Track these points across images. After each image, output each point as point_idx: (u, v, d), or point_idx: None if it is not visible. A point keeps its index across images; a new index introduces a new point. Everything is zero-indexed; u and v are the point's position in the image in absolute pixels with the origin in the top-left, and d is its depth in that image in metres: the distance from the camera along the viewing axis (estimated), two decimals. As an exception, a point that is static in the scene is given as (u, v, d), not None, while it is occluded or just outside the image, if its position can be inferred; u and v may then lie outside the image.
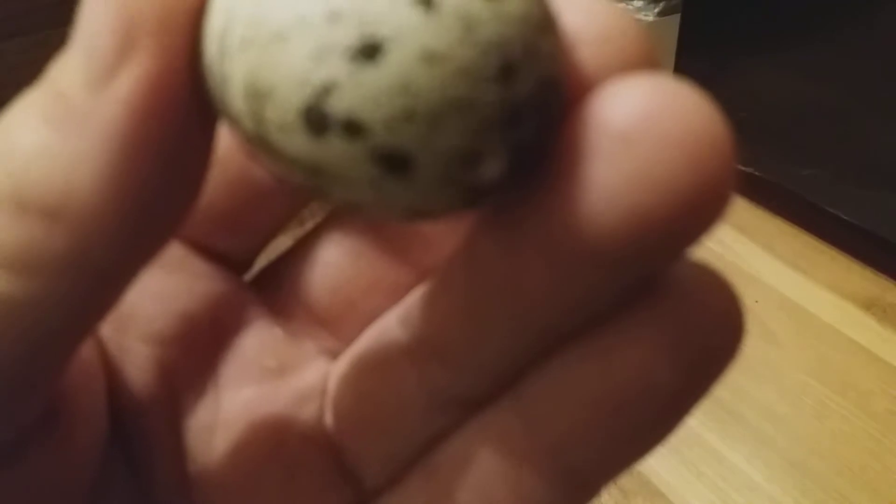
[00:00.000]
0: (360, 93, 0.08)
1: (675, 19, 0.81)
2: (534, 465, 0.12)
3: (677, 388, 0.10)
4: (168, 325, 0.14)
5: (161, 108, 0.09)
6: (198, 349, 0.14)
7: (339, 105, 0.08)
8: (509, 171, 0.09)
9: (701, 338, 0.10)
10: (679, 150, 0.09)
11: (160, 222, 0.10)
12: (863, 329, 0.63)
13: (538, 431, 0.12)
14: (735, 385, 0.62)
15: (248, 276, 0.15)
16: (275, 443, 0.14)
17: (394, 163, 0.09)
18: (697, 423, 0.59)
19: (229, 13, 0.09)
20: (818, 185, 0.72)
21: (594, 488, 0.12)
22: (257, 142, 0.09)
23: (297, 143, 0.09)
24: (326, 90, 0.08)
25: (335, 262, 0.14)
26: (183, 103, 0.09)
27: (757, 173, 0.78)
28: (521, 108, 0.09)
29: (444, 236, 0.14)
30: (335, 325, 0.15)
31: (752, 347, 0.66)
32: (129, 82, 0.09)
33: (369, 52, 0.08)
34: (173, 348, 0.14)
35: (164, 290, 0.14)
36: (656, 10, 0.93)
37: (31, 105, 0.10)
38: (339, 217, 0.15)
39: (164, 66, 0.09)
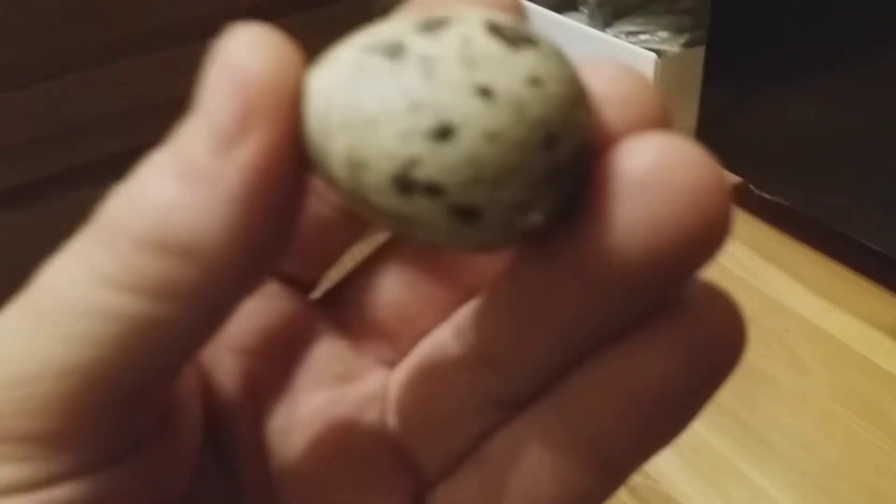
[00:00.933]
0: (438, 164, 0.11)
1: (701, 51, 0.82)
2: (573, 455, 0.14)
3: (691, 388, 0.13)
4: (251, 339, 0.16)
5: (272, 172, 0.12)
6: (276, 359, 0.17)
7: (422, 173, 0.11)
8: (553, 216, 0.12)
9: (710, 346, 0.13)
10: (685, 195, 0.11)
11: (267, 261, 0.13)
12: (892, 357, 0.63)
13: (576, 426, 0.14)
14: (765, 412, 0.62)
15: (316, 295, 0.18)
16: (344, 441, 0.16)
17: (466, 215, 0.11)
18: (728, 449, 0.59)
19: (327, 101, 0.11)
20: (846, 214, 0.72)
21: (625, 475, 0.14)
22: (356, 198, 0.12)
23: (389, 201, 0.11)
24: (412, 162, 0.11)
25: (393, 285, 0.17)
26: (289, 167, 0.12)
27: (785, 202, 0.78)
28: (562, 167, 0.11)
29: (488, 261, 0.16)
30: (393, 339, 0.17)
31: (782, 375, 0.66)
32: (248, 151, 0.11)
33: (444, 133, 0.11)
34: (256, 359, 0.16)
35: (248, 308, 0.16)
36: (682, 42, 0.94)
37: (162, 164, 0.12)
38: (397, 247, 0.17)
39: (275, 138, 0.11)
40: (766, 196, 0.77)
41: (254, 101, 0.11)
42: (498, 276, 0.15)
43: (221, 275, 0.12)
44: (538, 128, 0.11)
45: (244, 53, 0.11)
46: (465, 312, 0.16)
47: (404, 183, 0.11)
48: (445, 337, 0.16)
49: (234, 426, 0.16)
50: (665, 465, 0.58)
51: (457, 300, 0.16)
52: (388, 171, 0.11)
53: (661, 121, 0.12)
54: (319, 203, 0.17)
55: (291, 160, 0.12)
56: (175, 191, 0.12)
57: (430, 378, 0.16)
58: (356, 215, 0.16)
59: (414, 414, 0.16)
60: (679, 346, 0.13)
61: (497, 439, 0.15)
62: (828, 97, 0.71)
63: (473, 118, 0.11)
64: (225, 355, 0.16)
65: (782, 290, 0.71)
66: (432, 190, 0.11)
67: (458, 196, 0.11)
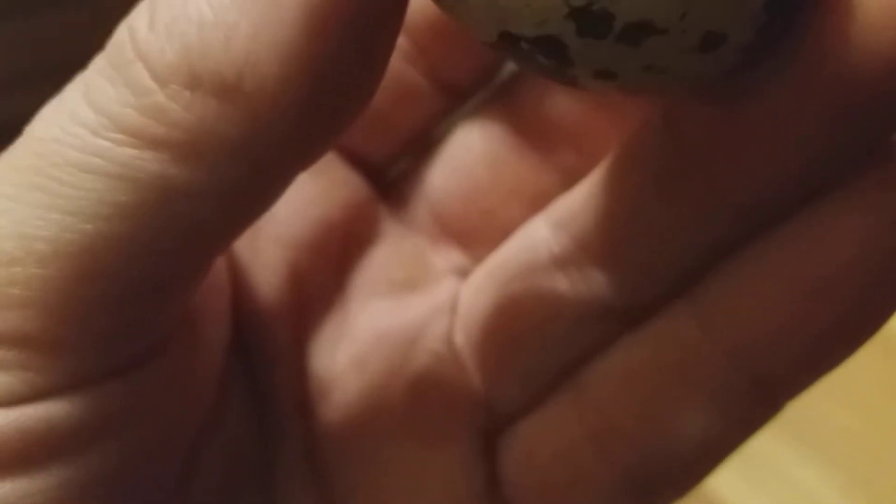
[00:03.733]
0: None
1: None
2: (717, 374, 0.11)
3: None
4: (303, 230, 0.14)
5: None
6: (329, 258, 0.14)
7: None
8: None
9: None
10: None
11: (340, 111, 0.09)
12: (941, 347, 0.61)
13: (725, 336, 0.11)
14: (804, 401, 0.59)
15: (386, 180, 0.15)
16: (401, 358, 0.14)
17: None
18: (765, 440, 0.57)
19: None
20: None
21: (784, 399, 0.11)
22: None
23: None
24: None
25: (470, 166, 0.14)
26: None
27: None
28: None
29: (595, 131, 0.13)
30: (470, 239, 0.14)
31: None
32: None
33: None
34: (306, 254, 0.14)
35: (302, 193, 0.13)
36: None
37: None
38: (482, 112, 0.14)
39: None
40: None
41: None
42: (633, 135, 0.11)
43: (275, 126, 0.09)
44: None
45: None
46: (572, 196, 0.13)
47: None
48: (539, 231, 0.13)
49: (269, 336, 0.14)
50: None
51: (554, 188, 0.13)
52: None
53: None
54: (403, 62, 0.13)
55: None
56: (219, 0, 0.09)
57: (516, 280, 0.13)
58: (448, 81, 0.13)
59: (491, 328, 0.13)
60: (887, 213, 0.10)
61: (605, 360, 0.12)
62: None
63: None
64: (268, 246, 0.14)
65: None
66: None
67: None
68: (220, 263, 0.13)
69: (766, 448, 0.55)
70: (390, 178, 0.15)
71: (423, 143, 0.14)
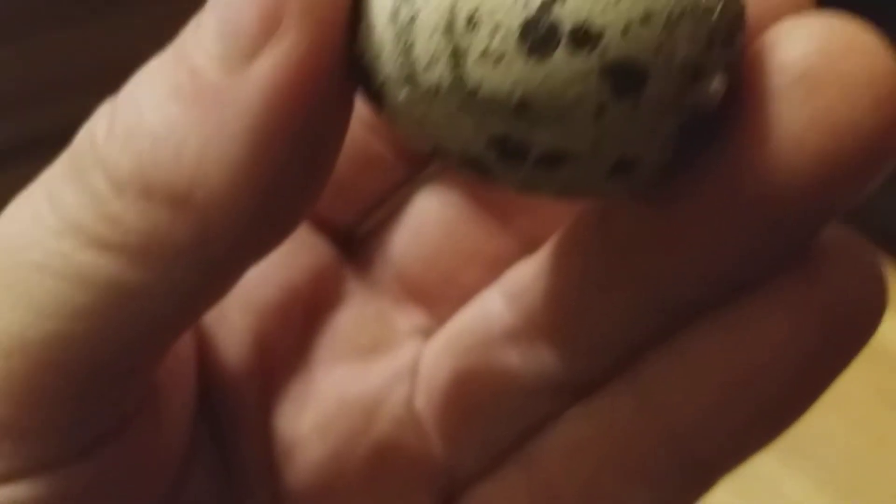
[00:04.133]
0: None
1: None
2: (654, 455, 0.11)
3: (819, 363, 0.10)
4: (268, 296, 0.14)
5: (305, 92, 0.09)
6: (294, 322, 0.14)
7: (567, 13, 0.08)
8: (721, 97, 0.09)
9: (849, 310, 0.10)
10: (863, 90, 0.09)
11: (287, 214, 0.10)
12: (930, 355, 0.61)
13: (659, 417, 0.11)
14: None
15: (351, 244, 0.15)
16: (364, 423, 0.14)
17: (626, 80, 0.08)
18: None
19: None
20: (889, 201, 0.69)
21: (712, 481, 0.11)
22: (445, 91, 0.09)
23: (510, 71, 0.08)
24: (551, 1, 0.08)
25: (431, 231, 0.14)
26: (327, 85, 0.09)
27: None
28: (735, 22, 0.09)
29: (555, 204, 0.13)
30: (431, 301, 0.14)
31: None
32: (271, 64, 0.08)
33: None
34: (271, 319, 0.14)
35: (267, 259, 0.13)
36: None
37: (159, 76, 0.09)
38: (439, 180, 0.14)
39: (311, 46, 0.08)
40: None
41: None
42: (574, 223, 0.12)
43: (224, 232, 0.09)
44: None
45: None
46: (521, 272, 0.13)
47: (539, 33, 0.08)
48: (494, 302, 0.13)
49: (236, 401, 0.14)
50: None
51: (513, 253, 0.13)
52: (514, 19, 0.08)
53: (811, 4, 0.10)
54: (366, 132, 0.13)
55: (332, 73, 0.09)
56: (170, 114, 0.09)
57: (470, 352, 0.13)
58: (409, 151, 0.13)
59: (450, 397, 0.13)
60: (812, 310, 0.10)
61: (552, 434, 0.12)
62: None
63: None
64: (233, 313, 0.14)
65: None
66: (580, 39, 0.08)
67: (617, 49, 0.08)
68: (186, 333, 0.13)
69: (755, 458, 0.55)
70: (356, 242, 0.15)
71: (387, 208, 0.15)
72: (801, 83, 0.09)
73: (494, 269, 0.14)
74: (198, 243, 0.09)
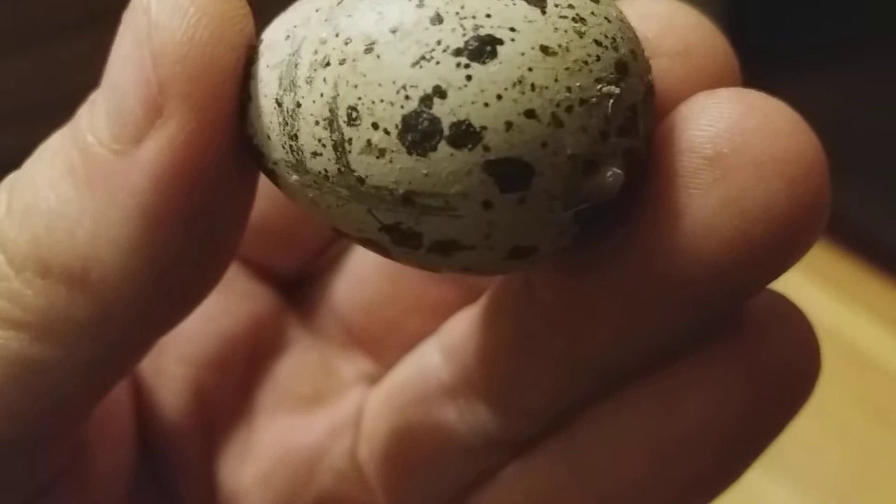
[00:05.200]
0: (471, 93, 0.08)
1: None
2: None
3: (750, 432, 0.10)
4: (207, 348, 0.14)
5: (194, 173, 0.09)
6: (235, 373, 0.14)
7: (448, 110, 0.08)
8: (621, 186, 0.08)
9: (781, 377, 0.10)
10: (776, 171, 0.08)
11: (187, 292, 0.10)
12: (912, 363, 0.61)
13: (589, 481, 0.11)
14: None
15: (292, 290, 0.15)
16: (306, 476, 0.14)
17: (511, 176, 0.08)
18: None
19: (294, 45, 0.09)
20: (864, 206, 0.70)
21: None
22: (333, 179, 0.08)
23: (394, 164, 0.08)
24: (431, 96, 0.08)
25: (373, 279, 0.14)
26: (218, 165, 0.09)
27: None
28: (636, 108, 0.08)
29: None
30: (374, 348, 0.14)
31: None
32: (157, 147, 0.08)
33: (482, 48, 0.08)
34: (210, 372, 0.14)
35: (205, 309, 0.13)
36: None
37: (55, 154, 0.09)
38: None
39: (196, 128, 0.09)
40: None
41: (167, 80, 0.08)
42: (500, 286, 0.12)
43: (123, 310, 0.09)
44: (607, 47, 0.08)
45: (159, 6, 0.08)
46: (459, 325, 0.13)
47: (420, 130, 0.08)
48: (432, 356, 0.13)
49: (177, 453, 0.14)
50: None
51: (454, 301, 0.13)
52: (394, 114, 0.08)
53: (731, 75, 0.09)
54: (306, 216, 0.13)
55: (221, 154, 0.09)
56: (64, 193, 0.09)
57: (411, 407, 0.13)
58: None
59: (386, 451, 0.13)
60: (741, 369, 0.10)
61: (489, 491, 0.12)
62: (849, 83, 0.69)
63: (526, 27, 0.08)
64: (173, 366, 0.14)
65: (793, 287, 0.69)
66: (462, 136, 0.08)
67: (500, 143, 0.08)
68: (121, 389, 0.13)
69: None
70: (298, 289, 0.15)
71: (328, 255, 0.15)
72: (710, 166, 0.08)
73: (436, 315, 0.14)
74: (98, 321, 0.09)
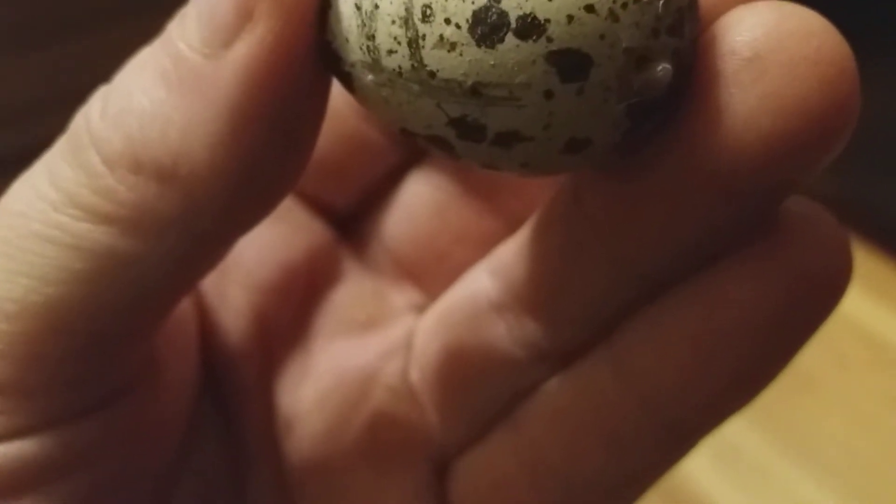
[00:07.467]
0: None
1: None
2: (631, 419, 0.12)
3: (786, 329, 0.11)
4: (267, 274, 0.14)
5: (279, 75, 0.09)
6: (293, 300, 0.15)
7: (515, 4, 0.09)
8: (670, 83, 0.09)
9: (814, 278, 0.10)
10: (809, 71, 0.09)
11: (269, 189, 0.10)
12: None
13: (632, 383, 0.12)
14: (804, 412, 0.59)
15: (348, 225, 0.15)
16: (360, 395, 0.14)
17: (571, 66, 0.09)
18: (765, 451, 0.57)
19: None
20: (887, 193, 0.69)
21: (691, 444, 0.12)
22: (406, 75, 0.09)
23: (463, 57, 0.09)
24: None
25: (422, 213, 0.15)
26: (301, 68, 0.10)
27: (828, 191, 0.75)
28: (684, 12, 0.09)
29: (536, 184, 0.14)
30: (423, 279, 0.15)
31: (823, 374, 0.64)
32: (247, 48, 0.09)
33: None
34: (270, 297, 0.14)
35: (266, 239, 0.14)
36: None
37: (149, 62, 0.10)
38: (428, 163, 0.15)
39: (283, 31, 0.09)
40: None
41: None
42: (550, 202, 0.12)
43: (209, 205, 0.10)
44: None
45: None
46: (506, 249, 0.13)
47: (489, 22, 0.09)
48: (481, 278, 0.14)
49: (238, 375, 0.14)
50: (697, 465, 0.55)
51: (499, 232, 0.14)
52: (467, 8, 0.09)
53: None
54: (357, 118, 0.14)
55: (305, 56, 0.10)
56: (156, 96, 0.10)
57: (459, 326, 0.14)
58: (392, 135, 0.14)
59: (442, 369, 0.14)
60: (775, 278, 0.10)
61: (536, 400, 0.13)
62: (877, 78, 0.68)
63: None
64: (235, 290, 0.14)
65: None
66: (527, 28, 0.09)
67: (562, 37, 0.09)
68: (187, 308, 0.14)
69: (763, 459, 0.54)
70: (351, 224, 0.15)
71: (380, 191, 0.15)
72: (749, 66, 0.09)
73: (482, 247, 0.14)
74: (185, 215, 0.10)
